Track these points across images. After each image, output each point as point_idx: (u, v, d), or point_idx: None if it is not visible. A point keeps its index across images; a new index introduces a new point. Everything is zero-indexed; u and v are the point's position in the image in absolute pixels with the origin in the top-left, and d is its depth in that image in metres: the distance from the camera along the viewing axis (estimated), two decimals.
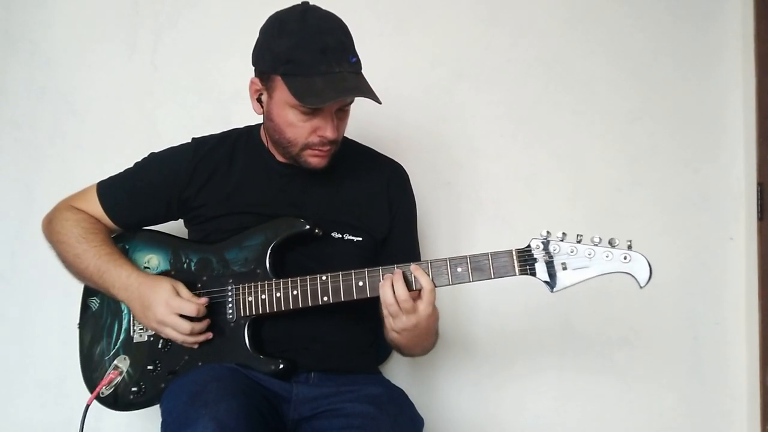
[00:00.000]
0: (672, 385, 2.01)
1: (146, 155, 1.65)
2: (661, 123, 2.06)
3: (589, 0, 2.09)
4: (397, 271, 1.37)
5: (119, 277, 1.51)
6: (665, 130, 2.06)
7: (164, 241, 1.61)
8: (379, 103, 1.40)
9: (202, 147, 1.62)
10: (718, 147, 2.05)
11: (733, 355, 2.01)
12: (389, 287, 1.35)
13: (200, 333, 1.47)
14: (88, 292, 1.65)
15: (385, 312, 1.37)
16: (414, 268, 1.36)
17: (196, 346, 1.49)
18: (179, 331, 1.45)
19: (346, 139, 1.60)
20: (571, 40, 2.08)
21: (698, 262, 2.03)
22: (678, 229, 2.03)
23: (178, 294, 1.47)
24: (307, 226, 1.51)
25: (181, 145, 1.65)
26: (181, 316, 1.45)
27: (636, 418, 2.01)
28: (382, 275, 1.40)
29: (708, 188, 2.04)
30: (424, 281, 1.35)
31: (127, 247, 1.62)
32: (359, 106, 1.50)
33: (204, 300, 1.48)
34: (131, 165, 1.65)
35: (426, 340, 1.47)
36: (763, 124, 1.98)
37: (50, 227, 1.62)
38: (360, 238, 1.57)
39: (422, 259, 1.66)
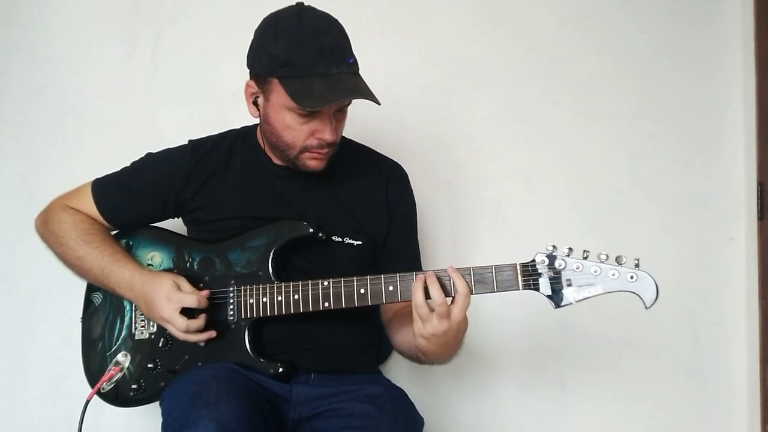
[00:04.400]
0: (672, 385, 2.01)
1: (143, 155, 1.65)
2: (661, 123, 2.06)
3: (589, 0, 2.09)
4: (430, 273, 1.33)
5: (123, 278, 1.51)
6: (665, 130, 2.06)
7: (168, 239, 1.61)
8: (378, 104, 1.39)
9: (199, 149, 1.62)
10: (718, 147, 2.05)
11: (733, 355, 2.01)
12: (421, 289, 1.31)
13: (199, 331, 1.47)
14: (91, 287, 1.65)
15: (414, 316, 1.33)
16: (451, 271, 1.32)
17: (202, 344, 1.49)
18: (176, 328, 1.45)
19: (344, 138, 1.59)
20: (571, 40, 2.08)
21: (698, 262, 2.03)
22: (678, 229, 2.03)
23: (179, 288, 1.47)
24: (311, 230, 1.50)
25: (178, 146, 1.64)
26: (184, 311, 1.45)
27: (636, 418, 2.01)
28: (384, 283, 1.39)
29: (708, 188, 2.04)
30: (461, 285, 1.31)
31: (131, 243, 1.62)
32: (358, 106, 1.50)
33: (205, 292, 1.47)
34: (128, 164, 1.65)
35: (453, 348, 1.41)
36: (763, 124, 1.98)
37: (46, 229, 1.62)
38: (360, 242, 1.56)
39: (421, 260, 1.68)
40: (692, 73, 2.06)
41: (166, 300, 1.45)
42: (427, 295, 1.32)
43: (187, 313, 1.46)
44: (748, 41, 2.03)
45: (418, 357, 1.46)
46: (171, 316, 1.45)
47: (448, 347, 1.38)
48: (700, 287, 2.02)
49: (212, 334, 1.48)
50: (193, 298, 1.45)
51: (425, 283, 1.32)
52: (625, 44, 2.08)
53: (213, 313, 1.49)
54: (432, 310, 1.31)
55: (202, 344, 1.49)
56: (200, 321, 1.46)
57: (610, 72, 2.07)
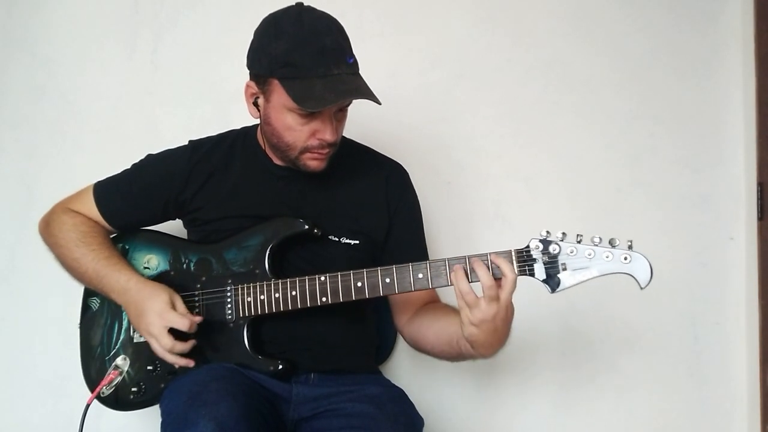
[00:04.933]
0: (672, 385, 2.00)
1: (143, 157, 1.65)
2: (661, 123, 2.06)
3: (589, 0, 2.09)
4: (476, 259, 1.32)
5: (118, 282, 1.51)
6: (665, 130, 2.06)
7: (164, 242, 1.61)
8: (379, 103, 1.39)
9: (199, 149, 1.62)
10: (718, 147, 2.05)
11: (733, 355, 2.00)
12: (463, 277, 1.31)
13: (182, 355, 1.45)
14: (89, 292, 1.65)
15: (461, 303, 1.32)
16: (494, 257, 1.32)
17: (176, 366, 1.48)
18: (161, 346, 1.44)
19: (344, 139, 1.59)
20: (571, 40, 2.08)
21: (698, 262, 2.03)
22: (678, 229, 2.03)
23: (173, 307, 1.46)
24: (306, 227, 1.50)
25: (178, 147, 1.65)
26: (172, 330, 1.44)
27: (636, 418, 2.01)
28: (381, 275, 1.39)
29: (708, 188, 2.04)
30: (507, 269, 1.30)
31: (127, 247, 1.62)
32: (358, 106, 1.50)
33: (198, 318, 1.46)
34: (129, 166, 1.65)
35: (503, 335, 1.38)
36: (763, 124, 1.98)
37: (48, 231, 1.62)
38: (357, 242, 1.56)
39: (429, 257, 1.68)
40: (692, 73, 2.06)
41: (157, 316, 1.44)
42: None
43: (175, 332, 1.44)
44: (748, 41, 2.03)
45: (461, 351, 1.43)
46: (159, 333, 1.43)
47: (498, 334, 1.35)
48: (700, 287, 2.02)
49: (191, 362, 1.46)
50: (185, 321, 1.43)
51: (465, 269, 1.31)
52: (625, 44, 2.07)
53: (211, 313, 1.49)
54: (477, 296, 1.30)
55: (176, 366, 1.48)
56: (187, 346, 1.45)
57: (610, 72, 2.07)
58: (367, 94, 1.40)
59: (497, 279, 1.31)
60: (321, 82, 1.38)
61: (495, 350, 1.40)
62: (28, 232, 1.68)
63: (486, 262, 1.33)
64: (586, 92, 2.07)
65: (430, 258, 1.66)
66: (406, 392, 1.55)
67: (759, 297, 1.96)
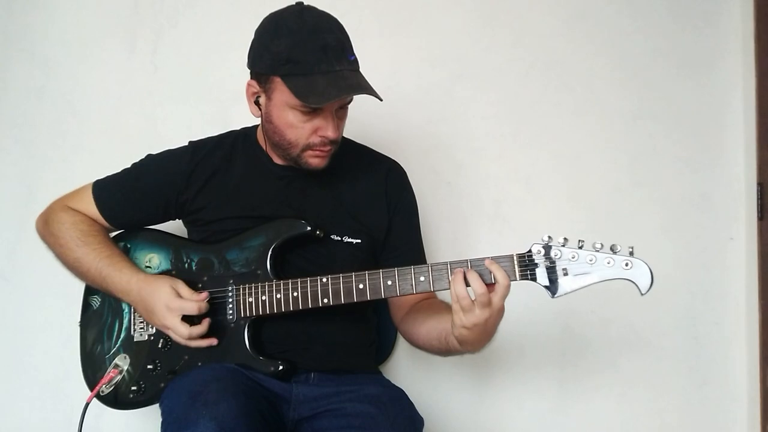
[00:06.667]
0: (672, 385, 2.01)
1: (143, 157, 1.65)
2: (661, 123, 2.06)
3: (589, 0, 2.09)
4: (471, 269, 1.34)
5: (120, 282, 1.51)
6: (665, 130, 2.06)
7: (166, 241, 1.61)
8: (381, 100, 1.40)
9: (199, 150, 1.62)
10: (718, 147, 2.05)
11: (733, 355, 2.00)
12: (461, 281, 1.32)
13: (202, 337, 1.47)
14: (90, 291, 1.65)
15: (455, 307, 1.33)
16: (489, 263, 1.33)
17: (201, 347, 1.48)
18: (179, 336, 1.46)
19: (344, 138, 1.59)
20: (571, 40, 2.08)
21: (698, 262, 2.03)
22: (678, 229, 2.03)
23: (178, 294, 1.47)
24: (308, 228, 1.51)
25: (179, 147, 1.65)
26: (186, 315, 1.45)
27: (636, 418, 2.01)
28: (383, 278, 1.40)
29: (708, 188, 2.04)
30: (501, 276, 1.32)
31: (128, 245, 1.62)
32: (359, 105, 1.50)
33: (204, 295, 1.47)
34: (128, 165, 1.65)
35: (491, 334, 1.41)
36: (763, 124, 1.98)
37: (47, 229, 1.62)
38: (359, 241, 1.57)
39: (426, 256, 1.68)
40: (692, 73, 2.06)
41: (166, 309, 1.45)
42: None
43: (189, 317, 1.46)
44: (748, 41, 2.03)
45: (449, 347, 1.45)
46: (173, 324, 1.45)
47: (488, 334, 1.38)
48: (700, 287, 2.02)
49: (213, 341, 1.48)
50: (193, 305, 1.45)
51: (464, 275, 1.33)
52: (625, 44, 2.08)
53: (212, 313, 1.49)
54: (472, 300, 1.32)
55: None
56: (203, 327, 1.46)
57: (610, 72, 2.07)
58: (369, 90, 1.41)
59: (492, 284, 1.32)
60: (323, 78, 1.39)
61: (482, 347, 1.43)
62: (28, 231, 1.67)
63: (481, 267, 1.34)
64: (586, 92, 2.07)
65: (426, 257, 1.68)
66: (406, 392, 1.55)
67: (759, 297, 1.96)
